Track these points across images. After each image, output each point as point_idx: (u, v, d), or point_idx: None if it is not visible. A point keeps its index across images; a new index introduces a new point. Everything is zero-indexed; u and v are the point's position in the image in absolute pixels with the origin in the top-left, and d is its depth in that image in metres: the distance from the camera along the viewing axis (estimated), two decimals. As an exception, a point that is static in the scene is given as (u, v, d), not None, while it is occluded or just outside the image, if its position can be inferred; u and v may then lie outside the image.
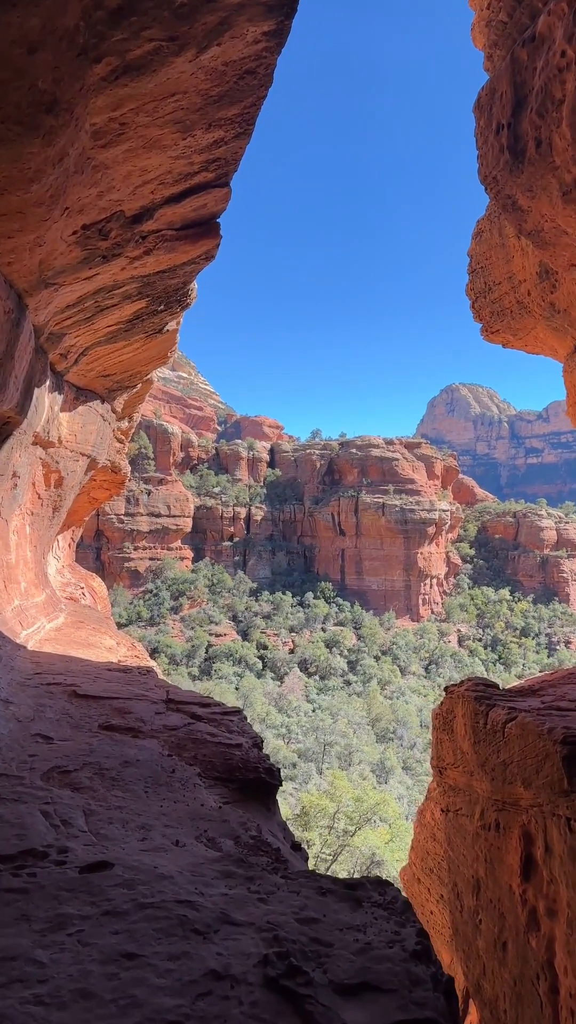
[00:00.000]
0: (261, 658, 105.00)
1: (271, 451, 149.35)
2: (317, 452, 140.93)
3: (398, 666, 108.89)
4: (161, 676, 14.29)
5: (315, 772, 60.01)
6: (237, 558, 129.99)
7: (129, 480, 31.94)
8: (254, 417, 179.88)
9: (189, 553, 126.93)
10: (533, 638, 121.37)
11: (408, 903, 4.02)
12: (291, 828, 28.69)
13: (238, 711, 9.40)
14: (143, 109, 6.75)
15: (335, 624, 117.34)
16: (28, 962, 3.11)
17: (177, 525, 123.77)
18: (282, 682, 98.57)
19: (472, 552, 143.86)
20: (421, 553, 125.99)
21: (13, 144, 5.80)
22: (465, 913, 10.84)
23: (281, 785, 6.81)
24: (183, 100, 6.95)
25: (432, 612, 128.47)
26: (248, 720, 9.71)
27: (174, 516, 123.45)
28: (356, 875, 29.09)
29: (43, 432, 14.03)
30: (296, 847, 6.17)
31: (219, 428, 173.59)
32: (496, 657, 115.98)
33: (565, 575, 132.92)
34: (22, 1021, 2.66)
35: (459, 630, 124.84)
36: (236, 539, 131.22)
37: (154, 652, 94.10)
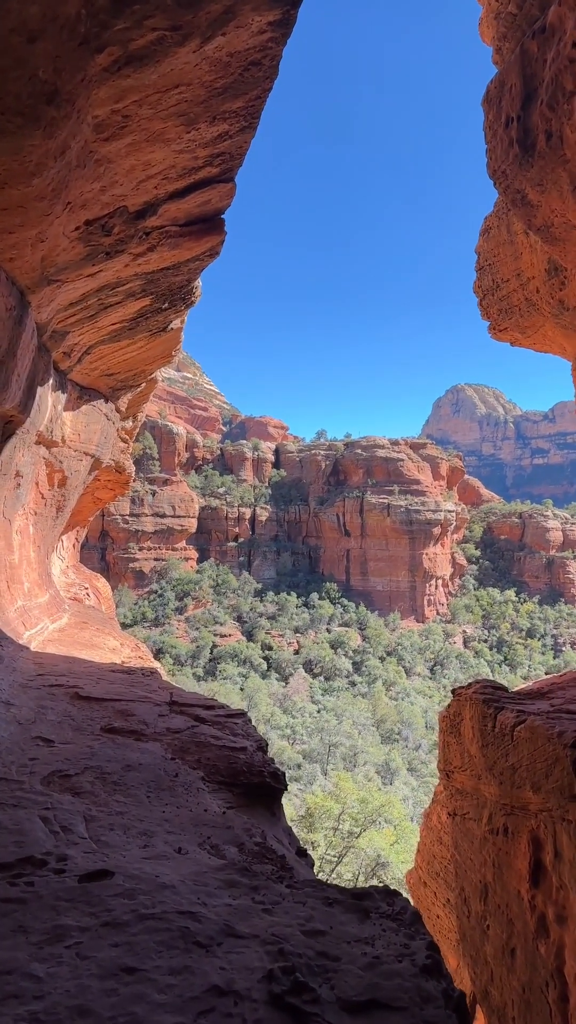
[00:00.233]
0: (266, 659, 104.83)
1: (276, 452, 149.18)
2: (322, 452, 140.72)
3: (403, 667, 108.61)
4: (166, 677, 14.19)
5: (320, 773, 59.82)
6: (242, 559, 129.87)
7: (134, 480, 31.87)
8: (259, 418, 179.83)
9: (194, 554, 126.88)
10: (539, 639, 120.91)
11: (417, 914, 3.89)
12: (296, 829, 28.56)
13: (242, 713, 9.28)
14: (146, 101, 6.63)
15: (340, 625, 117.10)
16: (24, 976, 2.99)
17: (182, 526, 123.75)
18: (287, 683, 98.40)
19: (478, 553, 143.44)
20: (426, 554, 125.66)
21: (14, 136, 5.70)
22: (472, 918, 10.70)
23: (286, 789, 6.69)
24: (187, 92, 6.83)
25: (437, 613, 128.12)
26: (253, 721, 9.59)
27: (179, 517, 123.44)
28: (361, 876, 28.93)
29: (46, 431, 13.94)
30: (301, 853, 6.05)
31: (224, 429, 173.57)
32: (501, 658, 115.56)
33: (571, 576, 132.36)
34: (16, 1041, 2.55)
35: (464, 631, 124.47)
36: (241, 540, 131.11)
37: (159, 653, 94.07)
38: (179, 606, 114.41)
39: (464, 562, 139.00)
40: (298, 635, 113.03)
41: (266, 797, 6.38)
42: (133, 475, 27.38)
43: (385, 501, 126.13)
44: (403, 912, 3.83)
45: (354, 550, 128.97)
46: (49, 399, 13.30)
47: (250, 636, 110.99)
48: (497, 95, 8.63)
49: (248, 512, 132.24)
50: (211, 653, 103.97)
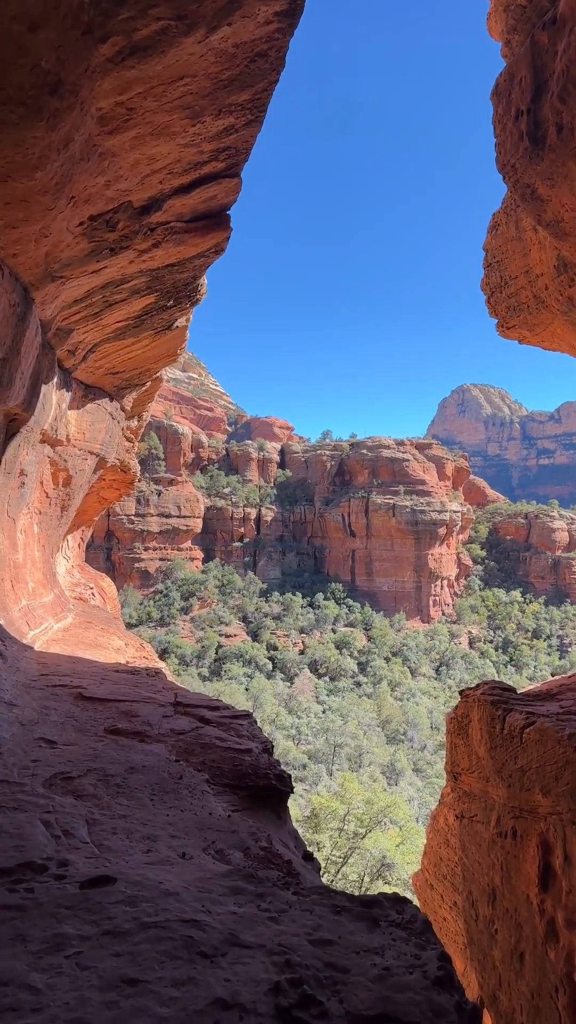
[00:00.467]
0: (271, 659, 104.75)
1: (281, 452, 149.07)
2: (327, 453, 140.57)
3: (408, 668, 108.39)
4: (171, 677, 14.10)
5: (325, 774, 59.73)
6: (247, 559, 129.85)
7: (139, 481, 31.82)
8: (264, 418, 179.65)
9: (199, 554, 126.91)
10: (545, 640, 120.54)
11: (428, 922, 3.78)
12: (301, 830, 28.46)
13: (248, 715, 9.17)
14: (151, 93, 6.54)
15: (345, 625, 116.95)
16: (22, 988, 2.89)
17: (187, 526, 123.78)
18: (292, 683, 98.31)
19: (483, 553, 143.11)
20: (432, 554, 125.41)
21: (16, 128, 5.60)
22: (480, 922, 10.58)
23: (292, 792, 6.58)
24: (192, 84, 6.74)
25: (443, 613, 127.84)
26: (258, 722, 9.49)
27: (184, 517, 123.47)
28: (366, 877, 28.82)
29: (51, 430, 13.86)
30: (308, 857, 5.93)
31: (229, 429, 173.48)
32: (507, 659, 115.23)
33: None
34: (12, 1058, 2.45)
35: (470, 632, 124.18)
36: (246, 540, 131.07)
37: (164, 653, 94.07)
38: (184, 606, 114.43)
39: (469, 562, 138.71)
40: (303, 635, 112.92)
41: (272, 800, 6.27)
42: (138, 475, 27.30)
43: (390, 501, 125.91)
44: (413, 920, 3.72)
45: (359, 550, 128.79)
46: (54, 397, 13.22)
47: (255, 636, 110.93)
48: (506, 88, 8.51)
49: (253, 512, 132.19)
50: (216, 653, 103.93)
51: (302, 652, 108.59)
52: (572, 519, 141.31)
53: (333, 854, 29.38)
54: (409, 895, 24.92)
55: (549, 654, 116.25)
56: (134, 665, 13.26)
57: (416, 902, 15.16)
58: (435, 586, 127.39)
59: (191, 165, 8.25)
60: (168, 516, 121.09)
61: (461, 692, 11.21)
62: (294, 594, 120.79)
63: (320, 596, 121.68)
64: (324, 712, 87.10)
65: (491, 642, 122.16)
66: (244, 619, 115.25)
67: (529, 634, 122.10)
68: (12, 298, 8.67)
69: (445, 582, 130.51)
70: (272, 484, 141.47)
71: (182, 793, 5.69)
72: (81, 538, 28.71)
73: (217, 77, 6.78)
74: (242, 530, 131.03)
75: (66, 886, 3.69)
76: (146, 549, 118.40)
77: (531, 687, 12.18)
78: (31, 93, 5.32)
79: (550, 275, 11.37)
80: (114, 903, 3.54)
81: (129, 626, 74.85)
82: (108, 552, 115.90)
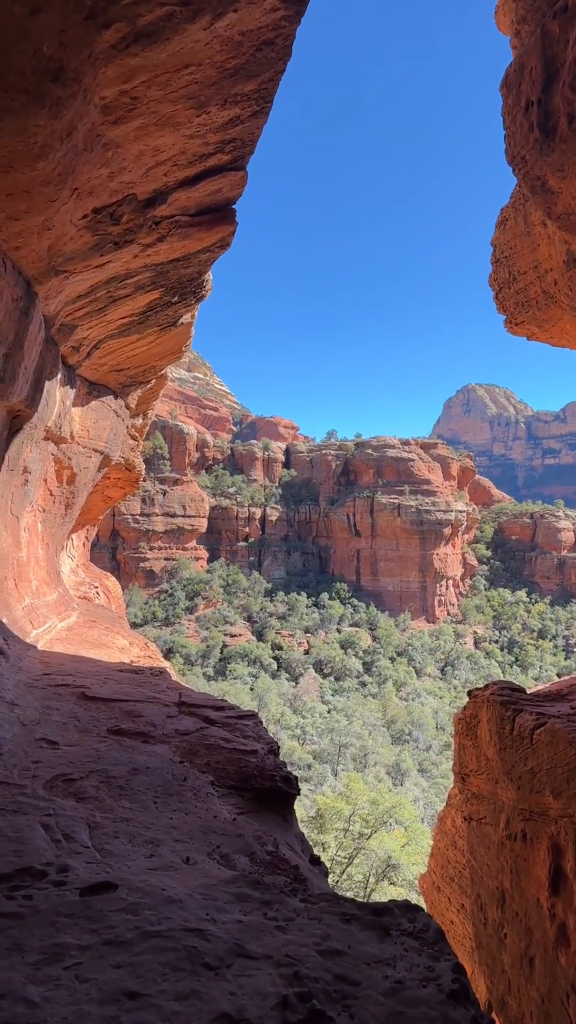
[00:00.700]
0: (276, 659, 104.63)
1: (286, 451, 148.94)
2: (332, 452, 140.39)
3: (414, 667, 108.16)
4: (176, 677, 13.98)
5: (330, 774, 59.55)
6: (252, 558, 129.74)
7: (144, 480, 31.72)
8: (269, 418, 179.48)
9: (204, 553, 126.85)
10: (550, 640, 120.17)
11: (441, 931, 3.64)
12: (306, 830, 28.32)
13: (253, 715, 9.04)
14: (155, 82, 6.40)
15: (350, 625, 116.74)
16: (19, 1001, 2.77)
17: (192, 525, 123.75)
18: (297, 683, 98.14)
19: (488, 553, 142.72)
20: (437, 554, 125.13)
21: (18, 115, 5.49)
22: (489, 926, 10.43)
23: (299, 794, 6.45)
24: (197, 73, 6.60)
25: (448, 613, 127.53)
26: (263, 722, 9.36)
27: (189, 516, 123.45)
28: (372, 878, 28.66)
29: (55, 427, 13.75)
30: (315, 861, 5.81)
31: (234, 429, 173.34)
32: (513, 659, 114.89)
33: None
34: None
35: (475, 632, 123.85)
36: (251, 539, 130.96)
37: (169, 652, 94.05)
38: (189, 606, 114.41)
39: (475, 562, 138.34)
40: (308, 635, 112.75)
41: (278, 802, 6.14)
42: (143, 473, 27.21)
43: (396, 501, 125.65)
44: (425, 930, 3.58)
45: (364, 550, 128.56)
46: (57, 394, 13.11)
47: (260, 636, 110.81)
48: (516, 79, 8.36)
49: (258, 512, 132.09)
50: (221, 653, 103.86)
51: (307, 652, 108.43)
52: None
53: (338, 855, 29.24)
54: (415, 896, 24.78)
55: (555, 654, 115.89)
56: (138, 665, 13.15)
57: (423, 904, 15.01)
58: (440, 586, 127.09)
59: (196, 157, 8.12)
60: (173, 516, 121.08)
61: (470, 693, 11.06)
62: (299, 594, 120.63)
63: (325, 596, 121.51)
64: (329, 712, 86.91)
65: (496, 642, 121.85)
66: (249, 619, 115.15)
67: (535, 634, 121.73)
68: (15, 292, 8.56)
69: (450, 582, 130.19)
70: (277, 484, 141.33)
71: (186, 795, 5.57)
72: (86, 537, 28.64)
73: (223, 66, 6.65)
74: (247, 530, 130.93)
75: (66, 893, 3.57)
76: (151, 549, 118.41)
77: (540, 687, 12.02)
78: (33, 79, 5.20)
79: (559, 270, 11.22)
80: (115, 911, 3.42)
81: (134, 626, 74.88)
82: (113, 551, 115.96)
